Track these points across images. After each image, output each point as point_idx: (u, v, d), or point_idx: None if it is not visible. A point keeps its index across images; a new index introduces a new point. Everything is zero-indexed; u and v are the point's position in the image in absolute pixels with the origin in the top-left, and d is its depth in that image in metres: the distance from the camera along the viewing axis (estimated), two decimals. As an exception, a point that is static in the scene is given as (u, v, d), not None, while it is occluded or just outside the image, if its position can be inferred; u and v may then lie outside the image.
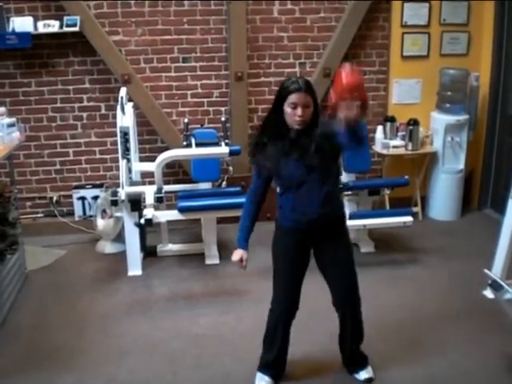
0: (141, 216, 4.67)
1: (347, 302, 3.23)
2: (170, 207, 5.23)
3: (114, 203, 4.71)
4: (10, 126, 4.53)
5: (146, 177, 5.36)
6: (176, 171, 5.87)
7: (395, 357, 3.56)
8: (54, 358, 3.64)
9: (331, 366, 3.49)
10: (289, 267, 3.18)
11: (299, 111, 2.87)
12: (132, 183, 4.83)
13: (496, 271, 3.33)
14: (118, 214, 5.00)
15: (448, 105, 5.79)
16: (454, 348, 3.66)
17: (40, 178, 5.73)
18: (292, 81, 2.92)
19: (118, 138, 4.72)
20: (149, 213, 4.57)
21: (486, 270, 3.34)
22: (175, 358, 3.64)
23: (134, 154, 4.95)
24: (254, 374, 3.36)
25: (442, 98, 5.83)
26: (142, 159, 5.48)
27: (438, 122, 5.87)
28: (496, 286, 3.21)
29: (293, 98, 2.87)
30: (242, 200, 4.52)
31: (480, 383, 3.33)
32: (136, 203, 4.72)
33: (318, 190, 3.00)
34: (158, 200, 4.67)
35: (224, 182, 5.56)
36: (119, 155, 4.75)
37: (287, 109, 2.90)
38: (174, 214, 4.82)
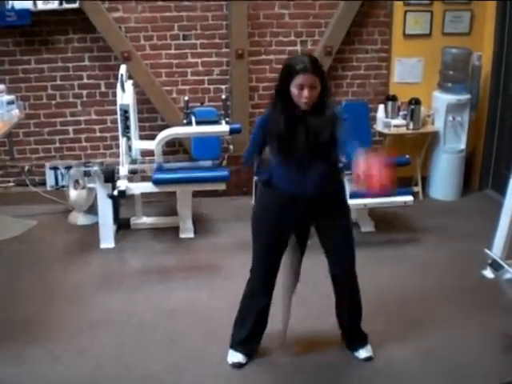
0: (114, 187, 4.61)
1: (344, 269, 3.19)
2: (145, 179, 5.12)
3: (87, 174, 4.64)
4: (10, 103, 4.54)
5: (146, 155, 5.34)
6: (176, 149, 5.84)
7: (395, 335, 3.58)
8: (24, 330, 3.58)
9: (331, 342, 3.49)
10: (271, 232, 3.08)
11: (306, 93, 2.79)
12: (132, 161, 4.82)
13: (496, 251, 3.34)
14: (90, 185, 4.85)
15: (450, 84, 5.76)
16: (453, 328, 3.67)
17: (39, 155, 5.71)
18: (298, 60, 2.82)
19: (118, 116, 4.71)
20: (122, 184, 4.52)
21: (487, 250, 3.35)
22: (147, 332, 3.60)
23: (133, 132, 4.93)
24: (226, 350, 3.34)
25: (444, 78, 5.79)
26: (141, 137, 5.46)
27: (440, 101, 5.83)
28: (496, 266, 3.22)
29: (299, 79, 2.78)
30: (217, 174, 4.48)
31: (478, 361, 3.35)
32: (109, 174, 4.63)
33: (315, 167, 2.94)
34: (132, 172, 4.60)
35: (224, 161, 5.54)
36: (119, 133, 4.74)
37: (293, 89, 2.81)
38: (148, 186, 4.76)
